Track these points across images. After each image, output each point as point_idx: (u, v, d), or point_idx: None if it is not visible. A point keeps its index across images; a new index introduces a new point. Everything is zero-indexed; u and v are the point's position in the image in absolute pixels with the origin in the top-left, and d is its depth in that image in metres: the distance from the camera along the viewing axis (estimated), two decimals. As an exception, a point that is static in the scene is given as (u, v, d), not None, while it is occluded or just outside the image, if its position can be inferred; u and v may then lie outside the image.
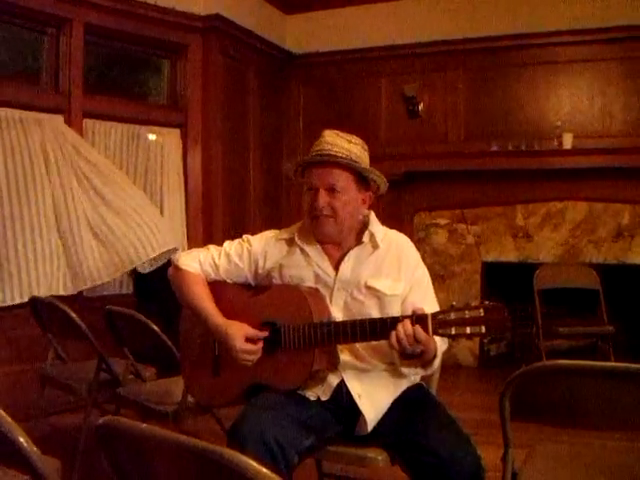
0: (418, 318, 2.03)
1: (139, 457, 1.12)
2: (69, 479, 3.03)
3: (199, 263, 2.43)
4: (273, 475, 0.90)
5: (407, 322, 2.03)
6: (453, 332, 2.00)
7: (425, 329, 2.01)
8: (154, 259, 4.74)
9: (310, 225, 2.32)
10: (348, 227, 2.32)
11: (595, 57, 5.67)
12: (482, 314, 1.97)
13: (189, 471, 1.03)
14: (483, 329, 1.97)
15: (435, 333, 2.02)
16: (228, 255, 2.43)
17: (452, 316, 2.00)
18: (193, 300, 2.39)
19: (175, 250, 4.72)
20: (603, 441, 2.86)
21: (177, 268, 2.44)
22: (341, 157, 2.24)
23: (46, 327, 3.76)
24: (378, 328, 2.10)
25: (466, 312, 1.98)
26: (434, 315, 2.02)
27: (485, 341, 5.94)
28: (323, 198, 2.25)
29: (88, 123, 4.95)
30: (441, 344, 2.20)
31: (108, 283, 4.81)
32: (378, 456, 2.17)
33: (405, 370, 2.24)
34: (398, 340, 2.02)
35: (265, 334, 2.26)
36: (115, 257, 4.54)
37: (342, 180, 2.26)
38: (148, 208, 4.81)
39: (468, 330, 1.98)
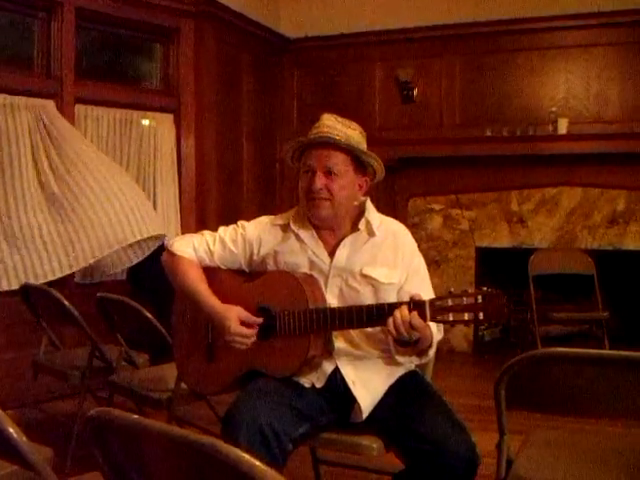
0: (416, 304, 2.01)
1: (131, 449, 1.10)
2: (62, 467, 3.03)
3: (193, 249, 2.41)
4: (267, 468, 0.88)
5: (404, 308, 2.01)
6: (451, 318, 1.99)
7: (423, 315, 1.99)
8: (140, 250, 4.73)
9: (306, 208, 2.30)
10: (344, 211, 2.30)
11: (591, 42, 5.64)
12: (480, 301, 1.96)
13: (182, 463, 1.01)
14: (481, 316, 1.96)
15: (433, 320, 2.01)
16: (222, 241, 2.41)
17: (450, 302, 1.98)
18: (187, 284, 2.37)
19: (163, 237, 4.71)
20: (598, 427, 2.86)
21: (171, 253, 2.42)
22: (340, 140, 2.22)
23: (39, 314, 3.74)
24: (375, 314, 2.09)
25: (464, 298, 1.97)
26: (432, 301, 2.01)
27: (482, 327, 5.93)
28: (320, 180, 2.23)
29: (80, 108, 4.91)
30: (436, 333, 2.19)
31: (104, 269, 4.79)
32: (372, 444, 2.16)
33: (400, 359, 2.23)
34: (395, 326, 2.01)
35: (260, 320, 2.24)
36: (110, 232, 4.49)
37: (340, 163, 2.24)
38: (139, 195, 4.78)
39: (466, 317, 1.97)
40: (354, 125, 2.31)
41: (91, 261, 4.48)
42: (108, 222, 4.46)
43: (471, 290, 1.99)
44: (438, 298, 2.02)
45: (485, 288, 1.98)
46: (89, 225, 4.43)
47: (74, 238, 4.41)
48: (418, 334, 2.03)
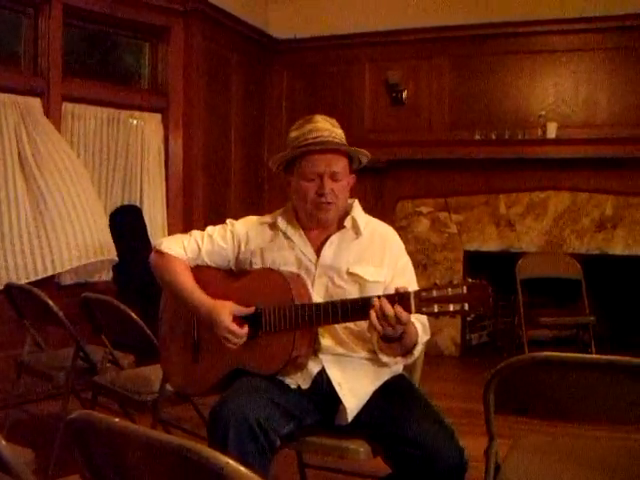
0: (400, 296, 1.99)
1: (112, 452, 1.08)
2: (45, 469, 2.99)
3: (182, 248, 2.40)
4: (253, 475, 0.86)
5: (385, 300, 1.99)
6: (436, 310, 1.96)
7: (407, 307, 1.98)
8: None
9: (312, 211, 2.29)
10: (341, 210, 2.33)
11: (581, 47, 5.66)
12: (465, 291, 1.94)
13: (164, 468, 0.99)
14: (466, 306, 1.94)
15: (418, 311, 1.98)
16: (211, 238, 2.41)
17: (435, 294, 1.96)
18: (175, 281, 2.36)
19: (112, 262, 4.77)
20: (586, 432, 2.85)
21: (160, 252, 2.41)
22: (340, 143, 2.27)
23: (23, 314, 3.70)
24: (360, 306, 2.06)
25: (449, 290, 1.95)
26: (417, 293, 1.99)
27: (468, 318, 5.89)
28: (329, 185, 2.25)
29: (67, 106, 4.88)
30: (422, 334, 2.18)
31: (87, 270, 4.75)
32: (360, 448, 2.14)
33: (384, 358, 2.21)
34: (377, 317, 1.98)
35: (251, 310, 2.22)
36: (88, 241, 4.47)
37: (342, 166, 2.28)
38: (102, 213, 4.77)
39: (451, 307, 1.95)
40: (337, 124, 2.35)
41: (64, 269, 4.47)
42: (81, 233, 4.46)
43: (456, 281, 1.98)
44: (423, 289, 1.99)
45: (470, 279, 1.97)
46: (65, 232, 4.42)
47: (53, 242, 4.39)
48: (402, 327, 2.01)
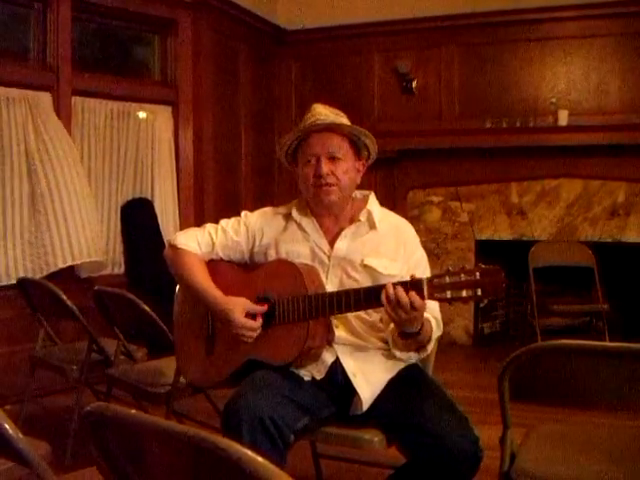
0: (413, 283, 1.98)
1: (129, 444, 1.08)
2: (60, 462, 3.01)
3: (196, 242, 2.40)
4: (271, 465, 0.86)
5: (398, 287, 1.98)
6: (449, 296, 1.95)
7: (420, 293, 1.96)
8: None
9: (313, 195, 2.29)
10: (347, 195, 2.32)
11: (591, 33, 5.62)
12: (478, 277, 1.92)
13: (181, 458, 0.99)
14: (479, 292, 1.92)
15: (431, 297, 1.97)
16: (225, 231, 2.42)
17: (447, 280, 1.95)
18: (190, 277, 2.36)
19: (104, 265, 4.77)
20: (602, 420, 2.84)
21: (174, 247, 2.41)
22: (339, 124, 2.25)
23: (36, 308, 3.71)
24: (373, 294, 2.05)
25: (462, 275, 1.93)
26: (429, 279, 1.98)
27: (484, 305, 5.84)
28: (326, 166, 2.24)
29: (77, 100, 4.89)
30: (435, 329, 2.18)
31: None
32: (374, 437, 2.14)
33: (398, 354, 2.21)
34: (388, 300, 1.97)
35: (264, 309, 2.22)
36: (81, 240, 4.49)
37: (342, 147, 2.26)
38: (92, 211, 4.77)
39: (464, 293, 1.93)
40: (342, 114, 2.34)
41: (67, 264, 4.48)
42: (75, 234, 4.47)
43: (469, 267, 1.96)
44: (436, 276, 1.98)
45: (483, 265, 1.95)
46: (62, 231, 4.43)
47: (47, 242, 4.41)
48: (416, 314, 1.99)
